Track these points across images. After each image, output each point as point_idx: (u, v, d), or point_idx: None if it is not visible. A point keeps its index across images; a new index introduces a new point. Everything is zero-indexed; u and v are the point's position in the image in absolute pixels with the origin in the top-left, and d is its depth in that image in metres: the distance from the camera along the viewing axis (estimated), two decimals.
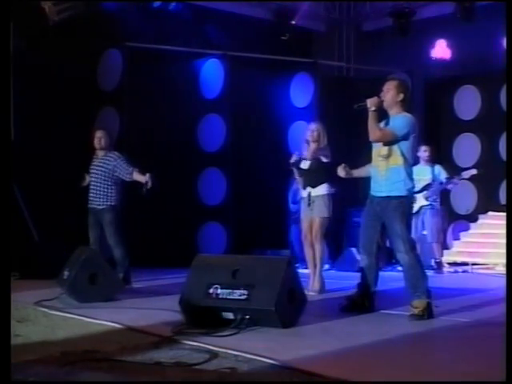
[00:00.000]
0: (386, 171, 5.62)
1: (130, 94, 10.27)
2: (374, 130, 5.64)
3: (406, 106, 5.81)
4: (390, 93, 5.75)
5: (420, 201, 9.85)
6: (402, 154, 5.59)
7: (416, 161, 10.00)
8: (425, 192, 9.75)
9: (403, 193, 5.61)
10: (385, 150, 5.61)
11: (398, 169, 5.60)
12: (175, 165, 10.58)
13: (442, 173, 9.80)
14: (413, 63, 11.80)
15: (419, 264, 5.62)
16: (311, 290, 7.04)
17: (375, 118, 5.68)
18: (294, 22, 12.07)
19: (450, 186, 9.87)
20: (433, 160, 9.95)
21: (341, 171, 6.13)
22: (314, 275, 7.26)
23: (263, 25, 11.86)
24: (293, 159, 7.40)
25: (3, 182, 4.15)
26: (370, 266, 5.80)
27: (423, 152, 9.73)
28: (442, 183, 9.74)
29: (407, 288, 5.63)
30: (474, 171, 9.81)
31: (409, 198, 5.71)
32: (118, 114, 10.19)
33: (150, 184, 7.39)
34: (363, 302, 5.79)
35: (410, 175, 5.67)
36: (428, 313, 5.45)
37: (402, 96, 5.74)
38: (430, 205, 9.75)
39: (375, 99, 5.70)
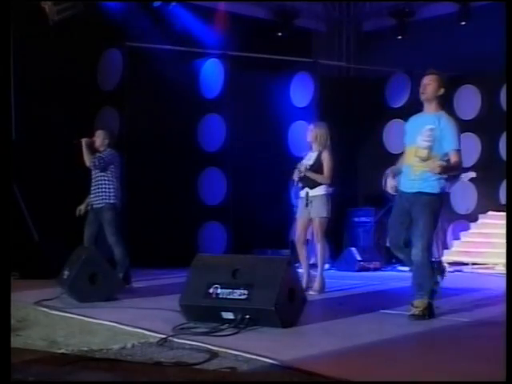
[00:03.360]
0: (421, 172, 5.47)
1: (130, 93, 10.28)
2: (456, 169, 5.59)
3: (443, 102, 5.71)
4: (431, 86, 5.59)
5: None
6: (441, 159, 5.43)
7: None
8: None
9: (436, 190, 5.48)
10: (424, 152, 5.43)
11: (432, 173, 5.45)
12: (175, 165, 10.58)
13: None
14: (413, 63, 11.80)
15: (429, 265, 5.51)
16: (312, 289, 7.05)
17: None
18: (294, 22, 12.08)
19: (447, 188, 9.88)
20: None
21: (391, 186, 5.73)
22: (307, 275, 7.26)
23: (263, 25, 11.86)
24: (296, 176, 7.35)
25: (3, 181, 4.15)
26: (408, 260, 5.61)
27: None
28: None
29: (413, 286, 5.58)
30: (473, 174, 9.83)
31: (441, 197, 5.56)
32: (118, 114, 10.20)
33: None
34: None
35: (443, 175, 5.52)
36: (428, 313, 5.42)
37: (442, 91, 5.60)
38: None
39: None
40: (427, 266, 5.48)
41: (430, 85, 5.59)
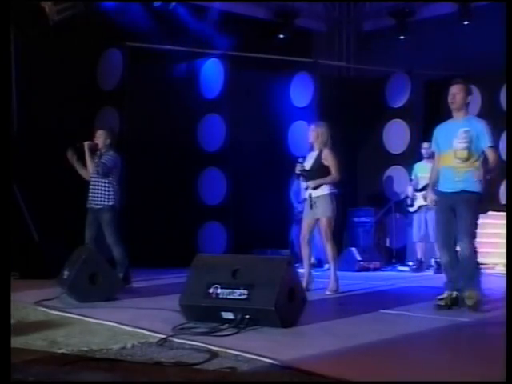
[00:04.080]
0: (464, 173, 5.77)
1: (130, 93, 10.28)
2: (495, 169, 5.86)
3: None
4: (459, 95, 5.92)
5: (419, 200, 9.90)
6: (479, 157, 5.80)
7: (420, 157, 10.09)
8: (424, 192, 9.78)
9: (478, 189, 5.78)
10: (464, 153, 5.74)
11: (475, 171, 5.76)
12: (175, 165, 10.58)
13: None
14: (413, 63, 11.80)
15: (476, 258, 5.79)
16: (328, 289, 7.09)
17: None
18: (294, 22, 12.08)
19: None
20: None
21: (431, 200, 6.21)
22: (308, 275, 7.26)
23: (263, 25, 11.87)
24: (298, 169, 7.37)
25: (3, 181, 4.15)
26: (451, 262, 5.89)
27: (424, 149, 9.81)
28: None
29: (461, 278, 5.79)
30: None
31: (481, 196, 5.83)
32: (118, 114, 10.20)
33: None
34: (456, 298, 5.87)
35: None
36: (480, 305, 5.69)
37: (469, 98, 5.97)
38: (428, 204, 9.77)
39: None
40: (474, 259, 5.77)
41: (458, 94, 5.93)
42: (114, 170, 7.59)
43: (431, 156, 9.77)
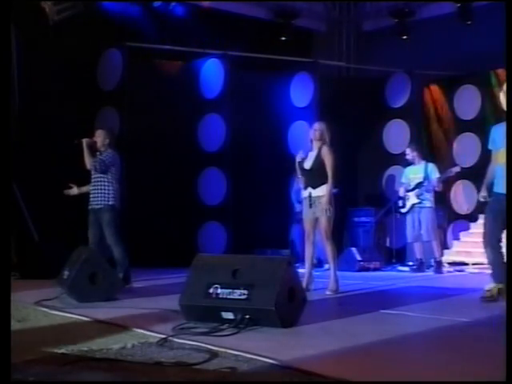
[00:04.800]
0: None
1: (130, 94, 10.29)
2: None
3: None
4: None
5: (412, 199, 9.96)
6: None
7: (412, 161, 10.22)
8: (416, 190, 9.86)
9: None
10: None
11: None
12: (175, 165, 10.59)
13: (433, 172, 9.90)
14: (413, 63, 11.81)
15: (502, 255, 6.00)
16: (328, 289, 7.08)
17: None
18: (294, 22, 12.09)
19: (436, 186, 9.93)
20: (426, 159, 10.18)
21: (483, 196, 6.38)
22: (308, 275, 7.26)
23: (263, 25, 11.87)
24: (298, 158, 7.39)
25: (3, 181, 4.15)
26: (495, 259, 6.04)
27: (407, 155, 10.12)
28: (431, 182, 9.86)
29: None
30: (458, 168, 9.98)
31: None
32: (118, 114, 10.20)
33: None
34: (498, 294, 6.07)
35: None
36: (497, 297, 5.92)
37: None
38: (421, 202, 9.82)
39: None
40: (501, 257, 5.98)
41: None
42: (113, 167, 7.59)
43: (417, 158, 10.00)
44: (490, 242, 6.08)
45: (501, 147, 6.04)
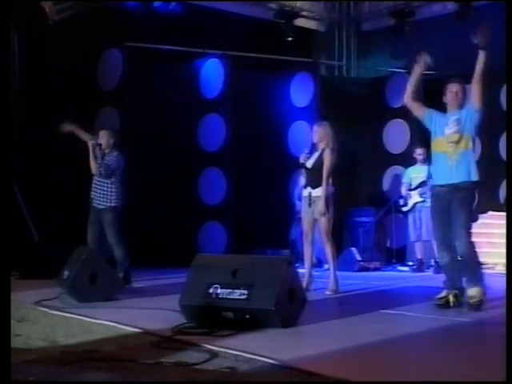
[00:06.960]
0: (456, 155, 5.83)
1: (130, 93, 10.28)
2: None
3: None
4: (462, 93, 6.48)
5: (414, 198, 9.98)
6: (472, 139, 5.93)
7: (414, 161, 10.22)
8: (419, 189, 9.88)
9: (475, 178, 5.82)
10: (456, 136, 5.87)
11: (468, 153, 5.86)
12: (175, 165, 10.58)
13: None
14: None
15: (476, 254, 5.80)
16: (328, 289, 7.07)
17: None
18: (293, 22, 12.09)
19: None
20: (429, 160, 10.14)
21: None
22: (308, 274, 7.26)
23: (263, 25, 11.86)
24: (302, 158, 7.39)
25: (3, 181, 4.15)
26: (453, 262, 5.89)
27: (418, 155, 9.99)
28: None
29: (464, 276, 5.83)
30: None
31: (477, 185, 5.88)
32: (118, 114, 10.20)
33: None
34: (455, 297, 5.90)
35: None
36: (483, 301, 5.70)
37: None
38: (424, 201, 9.83)
39: None
40: (475, 255, 5.79)
41: (460, 92, 6.45)
42: (117, 171, 7.59)
43: (423, 160, 9.96)
44: (445, 244, 5.91)
45: (439, 135, 6.01)
